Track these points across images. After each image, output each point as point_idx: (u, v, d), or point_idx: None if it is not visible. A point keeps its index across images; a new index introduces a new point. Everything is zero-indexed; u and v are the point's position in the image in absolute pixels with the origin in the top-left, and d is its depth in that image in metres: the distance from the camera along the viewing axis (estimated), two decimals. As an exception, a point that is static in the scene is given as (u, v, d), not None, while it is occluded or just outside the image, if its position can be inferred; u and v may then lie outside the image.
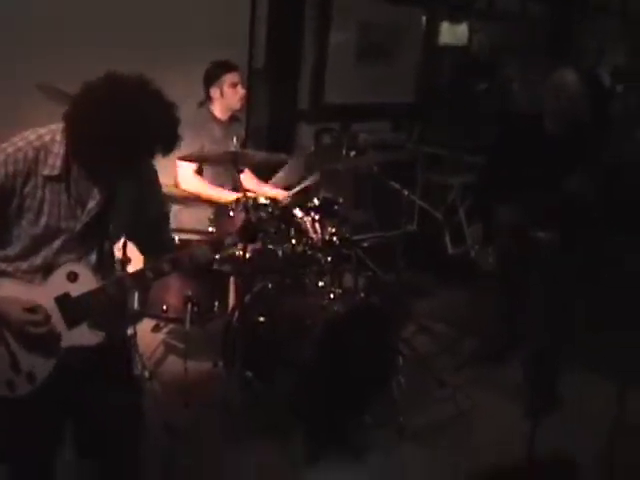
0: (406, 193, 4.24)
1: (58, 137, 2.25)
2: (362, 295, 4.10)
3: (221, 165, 4.17)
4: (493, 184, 4.01)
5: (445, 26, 6.98)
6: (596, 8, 7.59)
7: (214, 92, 4.30)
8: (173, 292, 3.79)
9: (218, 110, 4.36)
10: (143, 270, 2.48)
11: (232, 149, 3.75)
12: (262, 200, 3.74)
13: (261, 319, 3.58)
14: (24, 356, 2.29)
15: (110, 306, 2.39)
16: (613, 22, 7.58)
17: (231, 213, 3.71)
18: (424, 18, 6.77)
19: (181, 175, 4.15)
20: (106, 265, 2.47)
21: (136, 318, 3.90)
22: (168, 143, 2.23)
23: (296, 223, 3.80)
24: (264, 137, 5.52)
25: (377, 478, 3.28)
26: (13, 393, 2.29)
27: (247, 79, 5.07)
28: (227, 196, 4.04)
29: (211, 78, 4.29)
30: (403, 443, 3.52)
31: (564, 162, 3.62)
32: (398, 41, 6.49)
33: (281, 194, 4.36)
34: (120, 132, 2.11)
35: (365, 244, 4.78)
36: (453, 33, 7.06)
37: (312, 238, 3.76)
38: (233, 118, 4.46)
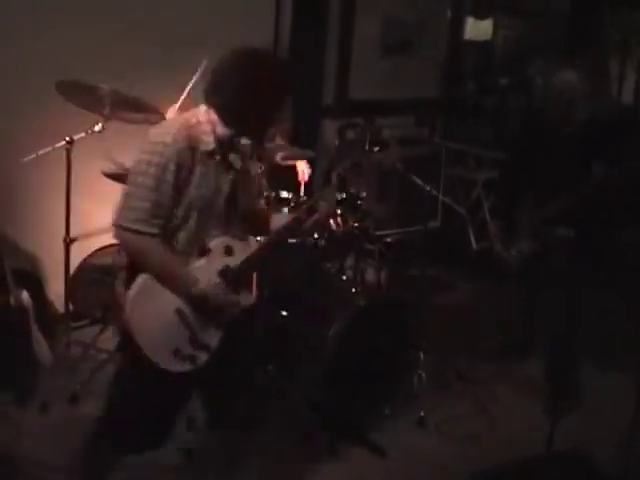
0: (428, 188, 4.23)
1: (201, 118, 2.44)
2: (384, 290, 4.11)
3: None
4: (513, 181, 4.02)
5: (470, 21, 6.95)
6: (621, 1, 7.49)
7: None
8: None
9: None
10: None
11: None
12: (284, 194, 3.76)
13: (283, 313, 3.60)
14: (201, 330, 2.46)
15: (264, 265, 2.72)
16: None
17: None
18: (449, 13, 6.76)
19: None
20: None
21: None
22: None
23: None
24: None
25: (396, 470, 3.29)
26: (195, 366, 2.45)
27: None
28: None
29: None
30: (423, 436, 3.53)
31: (579, 160, 3.64)
32: (422, 36, 6.47)
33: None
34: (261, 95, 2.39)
35: (388, 239, 4.78)
36: (478, 28, 7.02)
37: (334, 232, 3.77)
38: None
